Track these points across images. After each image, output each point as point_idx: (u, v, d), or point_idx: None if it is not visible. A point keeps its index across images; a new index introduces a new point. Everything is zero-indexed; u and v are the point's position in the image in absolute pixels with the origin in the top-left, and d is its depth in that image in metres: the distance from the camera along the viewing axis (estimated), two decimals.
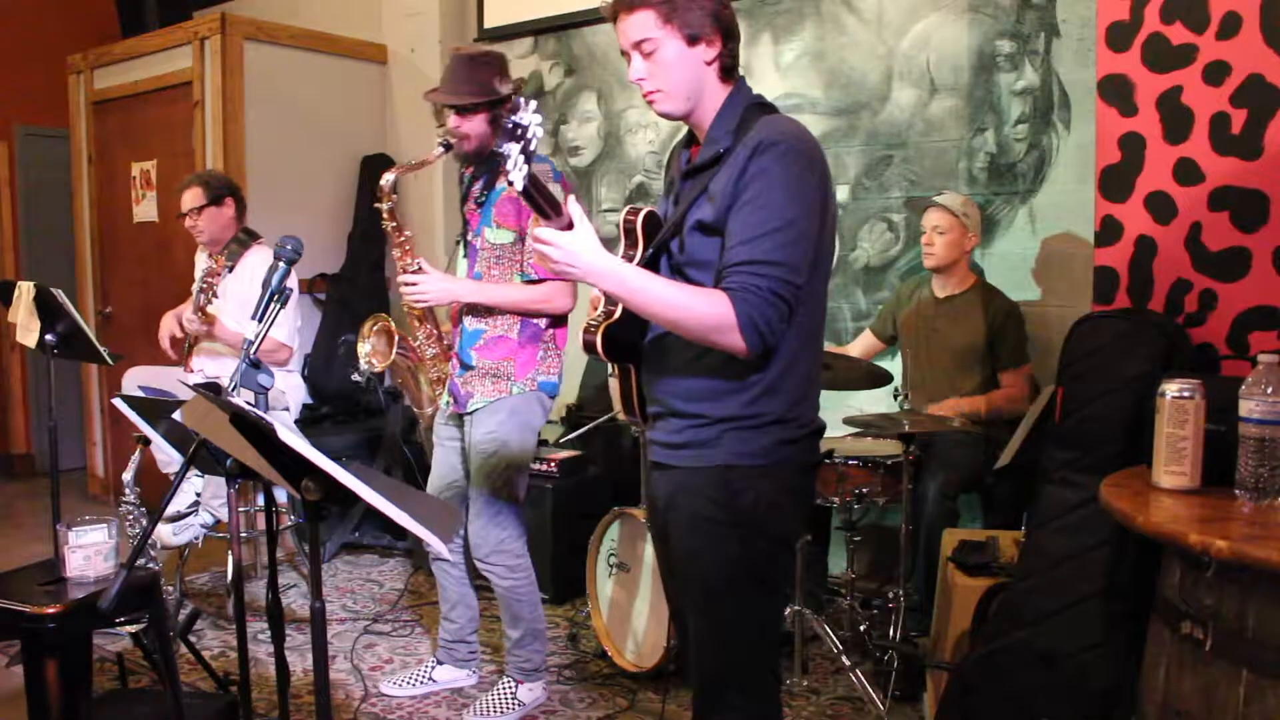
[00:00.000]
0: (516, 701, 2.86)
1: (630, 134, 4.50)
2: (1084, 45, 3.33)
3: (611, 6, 1.73)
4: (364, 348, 2.89)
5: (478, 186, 2.79)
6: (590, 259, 1.60)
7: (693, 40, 1.70)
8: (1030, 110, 3.50)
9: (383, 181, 2.78)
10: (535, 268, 2.67)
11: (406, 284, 2.70)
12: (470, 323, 2.76)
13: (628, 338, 1.80)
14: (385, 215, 2.80)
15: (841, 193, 3.89)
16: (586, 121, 4.63)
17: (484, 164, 2.76)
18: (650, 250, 1.78)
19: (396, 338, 2.88)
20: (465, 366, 2.76)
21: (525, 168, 1.47)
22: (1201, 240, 2.21)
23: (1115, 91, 2.30)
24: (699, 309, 1.62)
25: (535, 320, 2.75)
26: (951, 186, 3.64)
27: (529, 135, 1.45)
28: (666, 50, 1.69)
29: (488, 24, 4.86)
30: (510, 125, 1.43)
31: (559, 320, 2.81)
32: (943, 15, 3.65)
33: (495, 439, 2.74)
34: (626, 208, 1.83)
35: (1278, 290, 2.12)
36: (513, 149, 1.44)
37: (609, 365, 1.88)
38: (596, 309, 1.81)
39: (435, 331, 2.94)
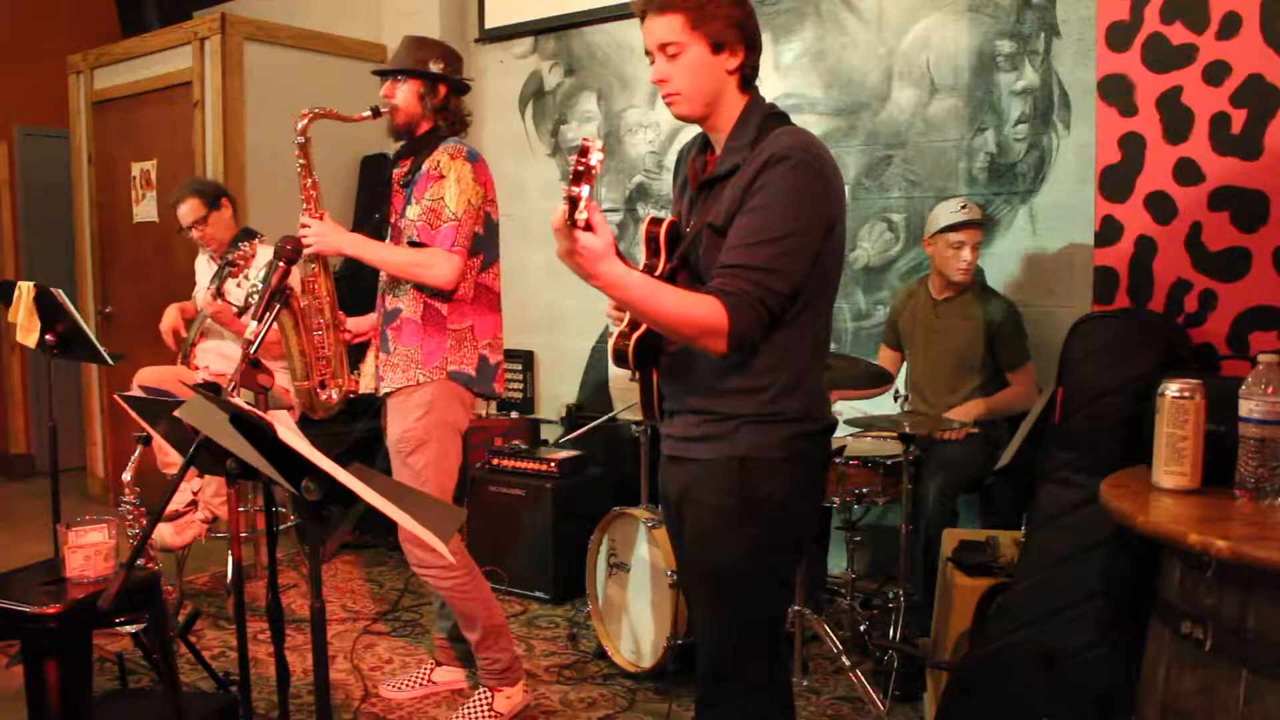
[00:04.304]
0: (493, 713, 2.78)
1: (630, 134, 4.50)
2: (1084, 45, 3.33)
3: (641, 4, 1.76)
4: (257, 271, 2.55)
5: (404, 168, 2.74)
6: (602, 265, 1.56)
7: (717, 49, 1.74)
8: (1030, 110, 3.50)
9: (299, 116, 2.63)
10: (420, 231, 2.60)
11: (302, 227, 2.61)
12: (388, 302, 2.74)
13: (653, 345, 1.83)
14: (297, 151, 2.66)
15: None
16: (586, 121, 4.63)
17: (412, 145, 2.73)
18: (674, 262, 1.81)
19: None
20: (384, 350, 2.72)
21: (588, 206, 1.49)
22: (1201, 240, 2.21)
23: (1115, 91, 2.30)
24: (696, 316, 1.64)
25: (436, 304, 2.66)
26: (951, 187, 3.64)
27: (594, 174, 1.45)
28: (690, 55, 1.73)
29: (488, 24, 4.86)
30: (583, 169, 1.43)
31: (479, 314, 2.72)
32: (943, 15, 3.65)
33: (411, 437, 2.67)
34: (648, 217, 1.87)
35: (1278, 290, 2.12)
36: (584, 190, 1.45)
37: (631, 372, 1.87)
38: (623, 319, 1.83)
39: (326, 299, 2.74)
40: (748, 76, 1.79)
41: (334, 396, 2.78)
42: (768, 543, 1.78)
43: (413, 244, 2.64)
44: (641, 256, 1.87)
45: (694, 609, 1.91)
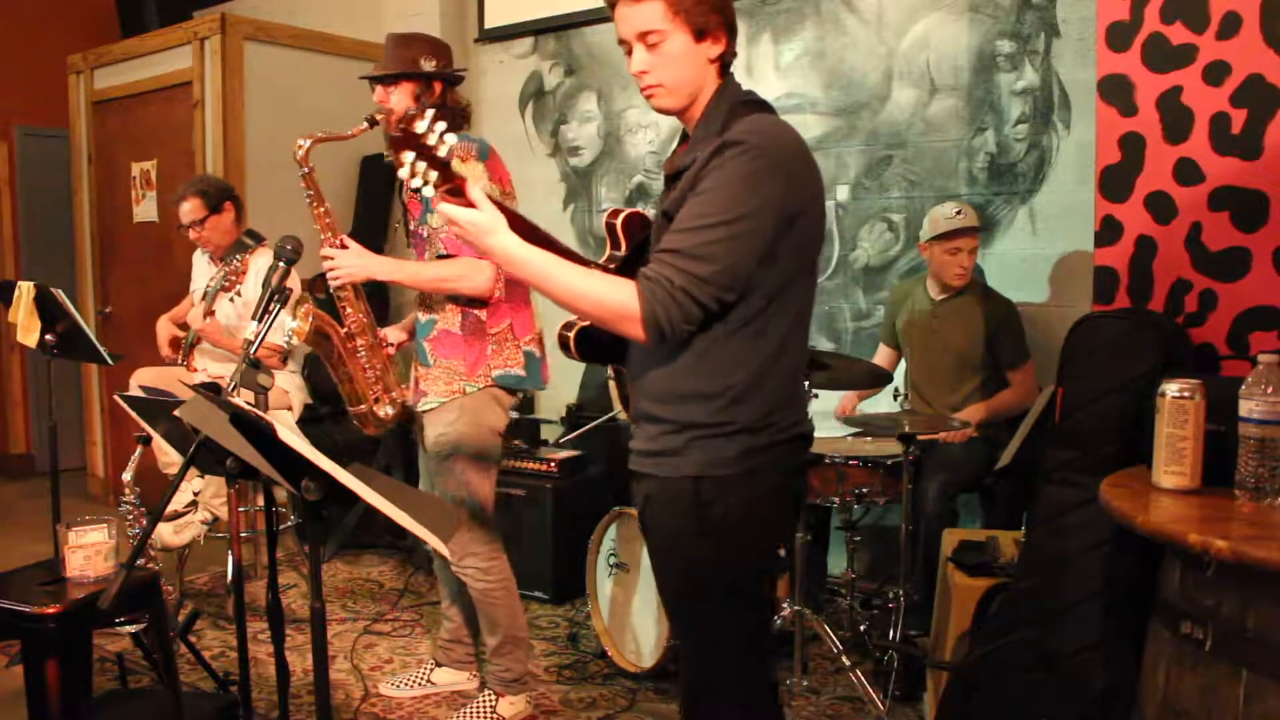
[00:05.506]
0: (496, 717, 2.78)
1: (630, 134, 4.50)
2: (1084, 45, 3.33)
3: None
4: (290, 323, 2.56)
5: None
6: (491, 240, 1.56)
7: (700, 36, 1.64)
8: (1030, 110, 3.50)
9: (298, 146, 2.59)
10: (446, 243, 2.56)
11: (325, 259, 2.57)
12: (421, 314, 2.70)
13: (600, 340, 1.74)
14: (303, 183, 2.62)
15: (842, 193, 3.89)
16: (586, 121, 4.63)
17: None
18: (629, 251, 1.75)
19: (310, 315, 2.56)
20: (423, 363, 2.69)
21: (434, 174, 1.46)
22: (1201, 240, 2.21)
23: (1115, 91, 2.29)
24: (604, 297, 1.58)
25: (475, 312, 2.63)
26: (952, 187, 3.64)
27: (429, 145, 1.41)
28: (673, 44, 1.63)
29: (488, 24, 4.86)
30: (399, 134, 1.38)
31: (516, 311, 2.68)
32: (943, 15, 3.65)
33: (447, 441, 2.65)
34: (608, 209, 1.82)
35: (1278, 290, 2.12)
36: (408, 157, 1.40)
37: (607, 367, 1.87)
38: None
39: (364, 320, 2.70)
40: (727, 63, 1.70)
41: (389, 412, 2.75)
42: (727, 560, 1.70)
43: (440, 256, 2.58)
44: (606, 249, 1.83)
45: (670, 620, 1.89)
